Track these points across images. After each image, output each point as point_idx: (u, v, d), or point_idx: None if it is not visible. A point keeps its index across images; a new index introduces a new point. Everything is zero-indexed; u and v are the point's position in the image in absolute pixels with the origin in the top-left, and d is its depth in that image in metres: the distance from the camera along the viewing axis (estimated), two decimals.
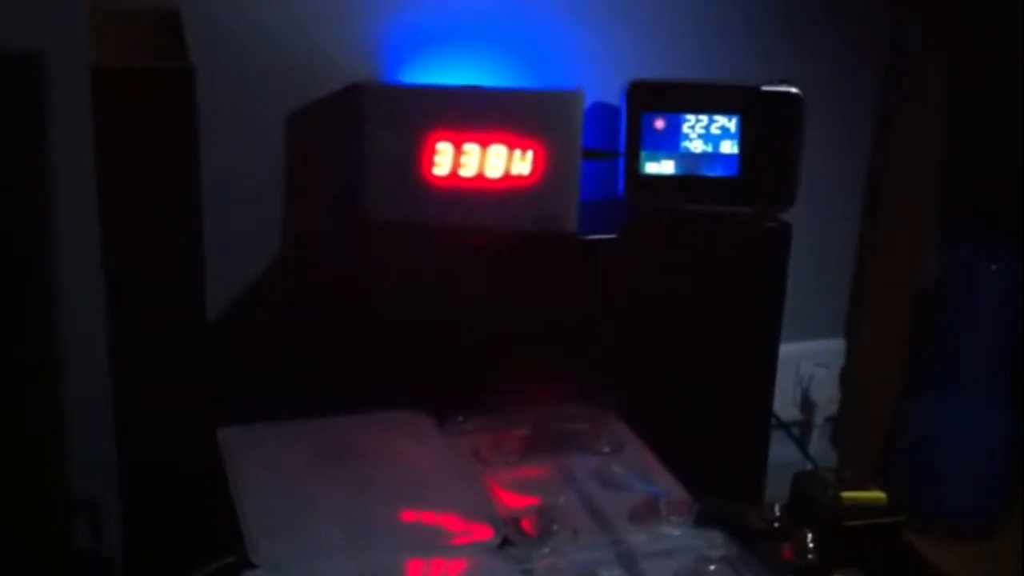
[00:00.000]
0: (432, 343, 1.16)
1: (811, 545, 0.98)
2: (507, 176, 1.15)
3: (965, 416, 1.43)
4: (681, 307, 1.21)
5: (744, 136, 1.21)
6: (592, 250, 1.19)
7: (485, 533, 0.94)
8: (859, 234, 1.46)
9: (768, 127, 1.21)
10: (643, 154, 1.20)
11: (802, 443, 1.45)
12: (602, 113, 1.24)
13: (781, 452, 1.36)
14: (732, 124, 1.21)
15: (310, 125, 1.19)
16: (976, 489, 1.46)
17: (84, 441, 1.17)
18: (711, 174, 1.22)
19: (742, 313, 1.24)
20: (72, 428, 1.19)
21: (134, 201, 0.93)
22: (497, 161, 1.15)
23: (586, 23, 1.24)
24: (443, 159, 1.14)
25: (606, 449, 1.08)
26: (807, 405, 1.47)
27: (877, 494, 1.03)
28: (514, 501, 1.00)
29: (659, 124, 1.20)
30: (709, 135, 1.21)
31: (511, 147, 1.14)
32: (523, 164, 1.15)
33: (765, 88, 1.21)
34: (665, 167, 1.21)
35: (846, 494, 1.02)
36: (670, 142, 1.21)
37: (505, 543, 0.93)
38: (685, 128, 1.20)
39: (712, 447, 1.20)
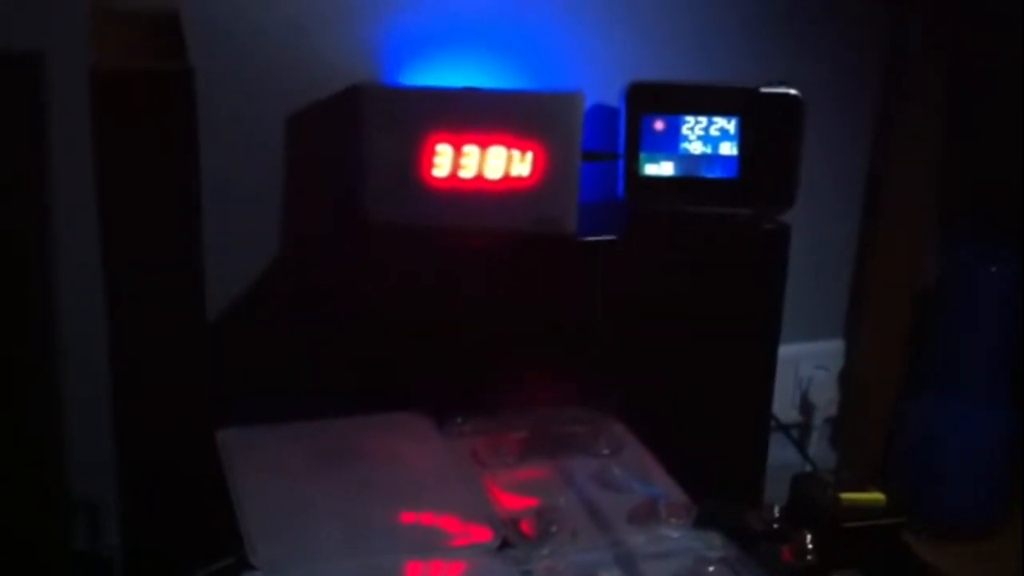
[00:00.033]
0: (432, 344, 1.16)
1: (810, 546, 0.98)
2: (506, 177, 1.15)
3: (965, 416, 1.43)
4: (680, 309, 1.21)
5: (743, 138, 1.21)
6: (591, 251, 1.19)
7: (484, 535, 0.94)
8: (859, 235, 1.46)
9: (767, 128, 1.21)
10: (642, 155, 1.21)
11: (801, 445, 1.45)
12: (601, 115, 1.24)
13: (780, 453, 1.36)
14: (731, 126, 1.21)
15: (310, 126, 1.19)
16: (976, 489, 1.46)
17: (84, 441, 1.17)
18: (710, 175, 1.22)
19: (741, 314, 1.24)
20: (72, 428, 1.19)
21: (134, 202, 0.93)
22: (497, 162, 1.15)
23: (585, 25, 1.24)
24: (443, 160, 1.14)
25: (605, 451, 1.08)
26: (806, 407, 1.48)
27: (876, 495, 1.03)
28: (513, 503, 1.00)
29: (658, 126, 1.20)
30: (708, 137, 1.21)
31: (510, 148, 1.15)
32: (523, 165, 1.15)
33: (764, 90, 1.21)
34: (664, 168, 1.21)
35: (845, 495, 1.02)
36: (669, 144, 1.21)
37: (504, 545, 0.93)
38: (684, 130, 1.20)
39: (711, 449, 1.21)
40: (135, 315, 0.95)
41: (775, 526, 1.01)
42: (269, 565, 0.88)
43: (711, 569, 0.92)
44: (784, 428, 1.40)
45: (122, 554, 1.04)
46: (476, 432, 1.09)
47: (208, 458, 0.99)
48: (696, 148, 1.21)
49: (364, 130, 1.14)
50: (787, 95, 1.21)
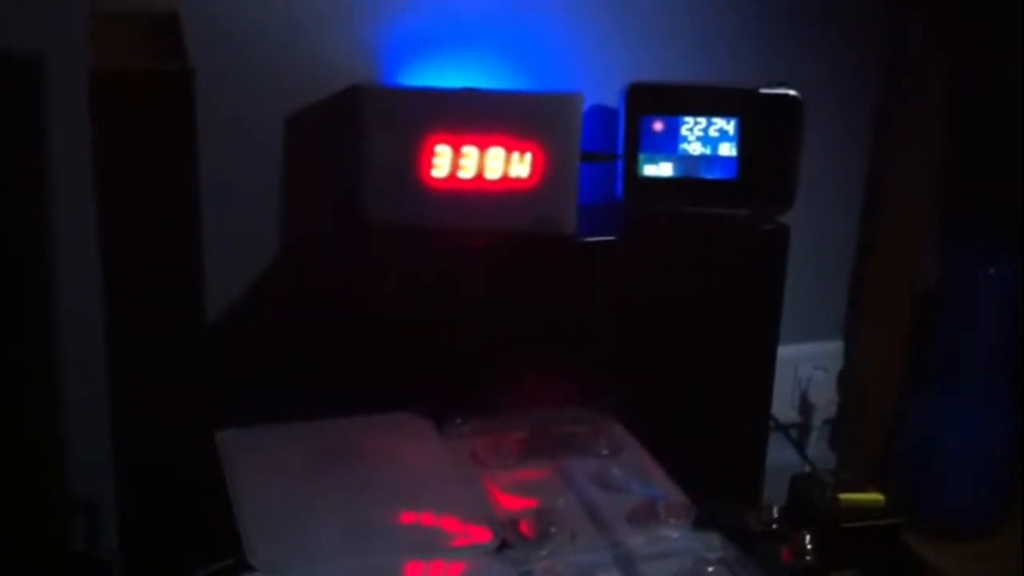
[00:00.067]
0: (431, 344, 1.16)
1: (809, 547, 0.98)
2: (506, 178, 1.15)
3: (965, 416, 1.43)
4: (679, 309, 1.21)
5: (742, 138, 1.21)
6: (591, 252, 1.19)
7: (483, 535, 0.94)
8: (858, 235, 1.46)
9: (766, 129, 1.21)
10: (641, 156, 1.21)
11: (800, 445, 1.45)
12: (601, 115, 1.24)
13: (779, 454, 1.36)
14: (730, 126, 1.21)
15: (309, 127, 1.19)
16: (976, 489, 1.46)
17: (84, 441, 1.17)
18: (709, 176, 1.22)
19: (740, 315, 1.24)
20: (72, 428, 1.19)
21: (133, 202, 0.93)
22: (496, 163, 1.15)
23: (585, 26, 1.24)
24: (442, 161, 1.14)
25: (604, 451, 1.08)
26: (805, 407, 1.48)
27: (875, 496, 1.03)
28: (512, 503, 1.00)
29: (657, 126, 1.20)
30: (707, 137, 1.21)
31: (509, 149, 1.15)
32: (522, 166, 1.15)
33: (763, 91, 1.21)
34: (663, 169, 1.21)
35: (844, 496, 1.02)
36: (668, 144, 1.21)
37: (503, 545, 0.93)
38: (683, 130, 1.20)
39: (710, 449, 1.21)
40: (135, 315, 0.95)
41: (774, 527, 1.01)
42: (269, 566, 0.88)
43: (710, 570, 0.92)
44: (783, 428, 1.40)
45: (121, 554, 1.04)
46: (476, 432, 1.09)
47: (208, 459, 0.99)
48: (695, 149, 1.21)
49: (364, 130, 1.14)
50: (786, 96, 1.21)
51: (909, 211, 1.43)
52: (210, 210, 0.96)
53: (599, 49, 1.25)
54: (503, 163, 1.15)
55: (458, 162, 1.14)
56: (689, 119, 1.20)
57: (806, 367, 1.46)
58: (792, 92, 1.21)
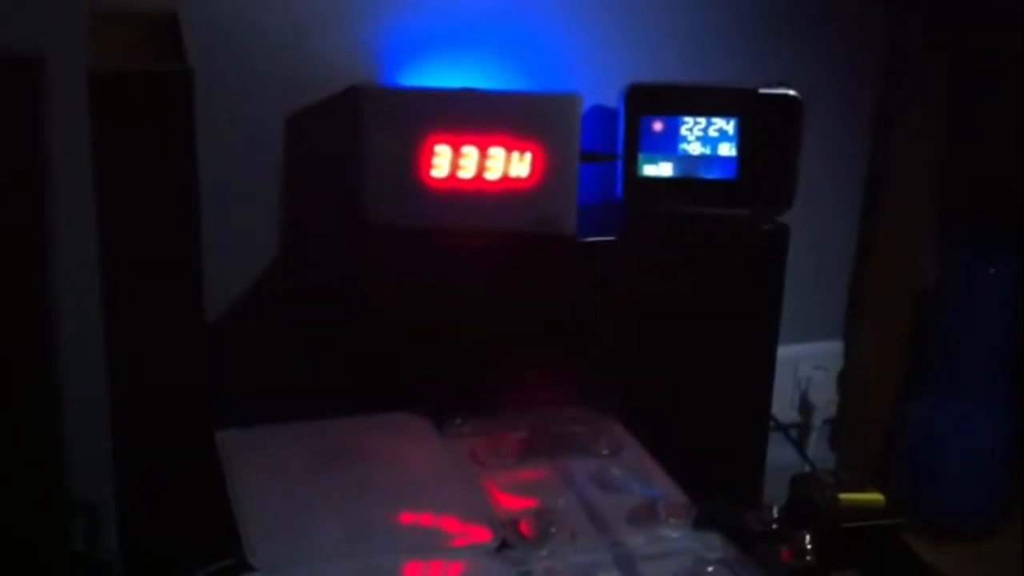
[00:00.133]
0: (431, 344, 1.16)
1: (809, 547, 0.98)
2: (505, 178, 1.15)
3: (965, 416, 1.43)
4: (679, 309, 1.21)
5: (742, 138, 1.21)
6: (590, 252, 1.19)
7: (483, 535, 0.94)
8: (858, 235, 1.46)
9: (766, 129, 1.21)
10: (641, 156, 1.21)
11: (800, 445, 1.45)
12: (600, 116, 1.24)
13: (779, 454, 1.36)
14: (730, 127, 1.21)
15: (309, 127, 1.19)
16: (976, 489, 1.46)
17: (83, 441, 1.17)
18: (709, 176, 1.22)
19: (740, 315, 1.24)
20: (72, 428, 1.19)
21: (133, 202, 0.94)
22: (495, 163, 1.15)
23: (584, 26, 1.24)
24: (442, 161, 1.15)
25: (604, 451, 1.08)
26: (805, 407, 1.48)
27: (875, 496, 1.03)
28: (512, 503, 1.00)
29: (657, 127, 1.20)
30: (707, 137, 1.21)
31: (509, 149, 1.15)
32: (521, 166, 1.15)
33: (763, 91, 1.21)
34: (663, 169, 1.21)
35: (844, 496, 1.02)
36: (668, 144, 1.21)
37: (503, 545, 0.93)
38: (683, 131, 1.20)
39: (710, 449, 1.21)
40: (134, 315, 0.95)
41: (774, 527, 1.00)
42: (269, 566, 0.88)
43: (710, 570, 0.92)
44: (783, 428, 1.40)
45: (121, 554, 1.04)
46: (475, 433, 1.09)
47: (208, 459, 0.99)
48: (695, 149, 1.21)
49: (363, 131, 1.14)
50: (786, 96, 1.21)
51: (909, 211, 1.43)
52: (210, 210, 0.96)
53: (599, 49, 1.25)
54: (503, 163, 1.15)
55: (458, 162, 1.15)
56: (689, 119, 1.20)
57: (806, 367, 1.46)
58: (792, 92, 1.21)
